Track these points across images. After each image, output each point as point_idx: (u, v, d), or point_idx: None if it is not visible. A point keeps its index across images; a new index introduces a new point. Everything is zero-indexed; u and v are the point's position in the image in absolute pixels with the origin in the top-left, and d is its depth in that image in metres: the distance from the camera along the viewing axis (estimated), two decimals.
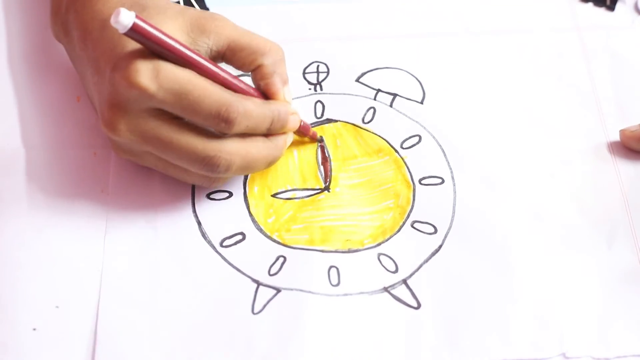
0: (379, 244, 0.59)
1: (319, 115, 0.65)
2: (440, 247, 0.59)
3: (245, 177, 0.62)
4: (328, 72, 0.67)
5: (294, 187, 0.62)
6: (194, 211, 0.60)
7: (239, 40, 0.57)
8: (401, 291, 0.57)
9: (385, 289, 0.57)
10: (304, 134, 0.62)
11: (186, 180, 0.59)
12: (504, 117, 0.65)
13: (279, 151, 0.59)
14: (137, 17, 0.52)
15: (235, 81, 0.56)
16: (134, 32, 0.52)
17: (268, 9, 0.70)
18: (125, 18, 0.52)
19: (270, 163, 0.59)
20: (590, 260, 0.59)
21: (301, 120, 0.61)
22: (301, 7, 0.71)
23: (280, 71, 0.59)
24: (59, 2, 0.62)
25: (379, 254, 0.59)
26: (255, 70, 0.58)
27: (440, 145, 0.64)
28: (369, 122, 0.65)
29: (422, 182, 0.62)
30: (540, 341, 0.55)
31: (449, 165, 0.63)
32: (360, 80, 0.67)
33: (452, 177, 0.62)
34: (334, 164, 0.63)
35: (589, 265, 0.59)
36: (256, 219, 0.60)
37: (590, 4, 0.72)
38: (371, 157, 0.64)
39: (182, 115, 0.55)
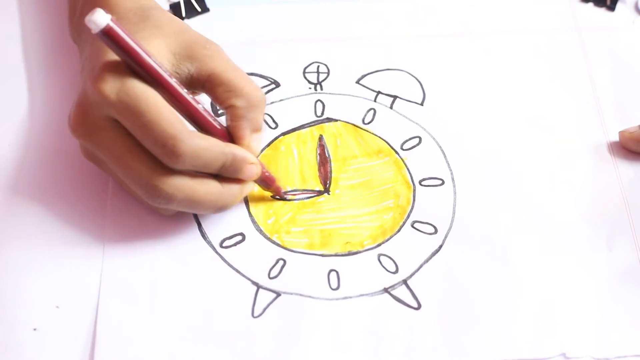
0: (379, 245, 0.59)
1: (319, 114, 0.65)
2: (440, 247, 0.59)
3: None
4: (328, 73, 0.67)
5: (294, 188, 0.62)
6: None
7: (221, 74, 0.56)
8: (401, 292, 0.57)
9: (386, 290, 0.57)
10: (267, 185, 0.60)
11: (138, 200, 0.58)
12: (504, 118, 0.65)
13: (231, 198, 0.57)
14: (112, 20, 0.51)
15: (202, 113, 0.55)
16: (106, 35, 0.51)
17: (268, 8, 0.70)
18: (99, 18, 0.50)
19: (219, 208, 0.57)
20: (590, 260, 0.59)
21: (264, 172, 0.58)
22: (301, 7, 0.71)
23: (252, 117, 0.56)
24: (74, 5, 0.63)
25: (379, 255, 0.59)
26: (228, 110, 0.56)
27: (440, 147, 0.64)
28: (369, 123, 0.65)
29: (422, 183, 0.62)
30: (540, 341, 0.56)
31: (449, 167, 0.63)
32: (361, 82, 0.67)
33: (452, 179, 0.62)
34: (334, 164, 0.63)
35: (589, 266, 0.59)
36: (256, 219, 0.60)
37: (591, 4, 0.72)
38: (371, 157, 0.64)
39: (134, 134, 0.53)
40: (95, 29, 0.51)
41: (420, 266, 0.58)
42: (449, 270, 0.58)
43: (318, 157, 0.63)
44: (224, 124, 0.57)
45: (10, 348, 0.54)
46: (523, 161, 0.63)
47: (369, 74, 0.67)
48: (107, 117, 0.53)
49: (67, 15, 0.65)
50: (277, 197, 0.61)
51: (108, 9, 0.57)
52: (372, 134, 0.64)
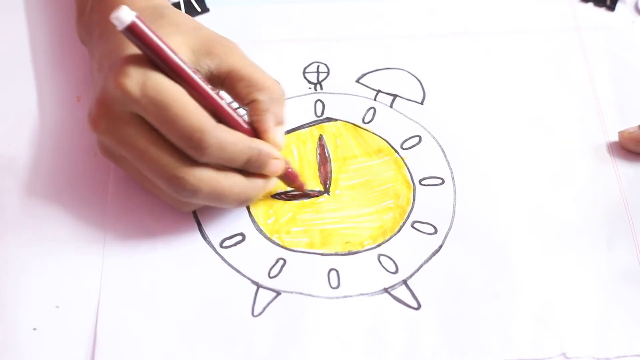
0: (379, 245, 0.59)
1: (319, 113, 0.65)
2: (440, 247, 0.59)
3: None
4: (328, 73, 0.67)
5: (294, 188, 0.62)
6: (194, 211, 0.60)
7: (241, 70, 0.56)
8: (401, 292, 0.57)
9: (386, 290, 0.57)
10: (290, 181, 0.60)
11: (159, 197, 0.58)
12: (504, 118, 0.65)
13: (255, 192, 0.57)
14: (137, 17, 0.51)
15: (227, 108, 0.55)
16: (131, 32, 0.52)
17: (268, 8, 0.70)
18: (124, 15, 0.51)
19: (243, 202, 0.57)
20: (590, 260, 0.59)
21: (287, 167, 0.59)
22: (301, 7, 0.71)
23: (275, 110, 0.57)
24: (84, 4, 0.63)
25: (379, 255, 0.59)
26: (250, 105, 0.57)
27: (440, 146, 0.64)
28: (369, 122, 0.65)
29: (422, 182, 0.62)
30: (540, 341, 0.55)
31: (449, 166, 0.63)
32: (361, 81, 0.67)
33: (452, 178, 0.62)
34: (334, 164, 0.63)
35: (588, 266, 0.59)
36: (256, 219, 0.60)
37: (591, 4, 0.72)
38: (371, 157, 0.64)
39: (159, 129, 0.53)
40: (120, 26, 0.51)
41: (420, 266, 0.58)
42: (449, 271, 0.58)
43: (318, 157, 0.63)
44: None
45: (10, 348, 0.54)
46: (523, 161, 0.63)
47: (368, 72, 0.67)
48: (130, 112, 0.53)
49: (74, 15, 0.64)
50: (300, 192, 0.61)
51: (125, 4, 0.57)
52: (372, 133, 0.64)
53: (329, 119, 0.65)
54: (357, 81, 0.67)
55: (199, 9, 0.70)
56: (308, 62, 0.68)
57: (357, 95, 0.66)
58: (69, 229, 0.59)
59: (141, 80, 0.52)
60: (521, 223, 0.60)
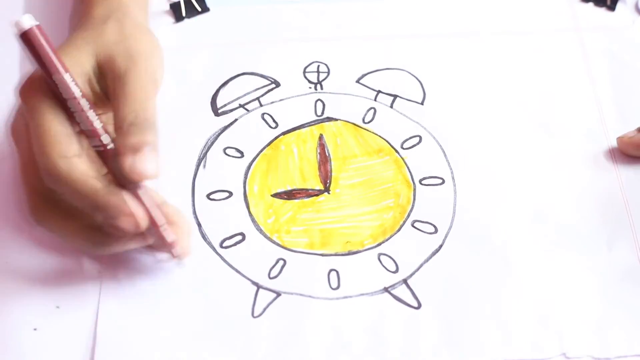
0: (379, 244, 0.59)
1: (319, 113, 0.65)
2: (440, 246, 0.59)
3: (245, 176, 0.62)
4: (328, 73, 0.67)
5: (294, 187, 0.62)
6: (194, 212, 0.60)
7: (119, 98, 0.53)
8: (402, 291, 0.57)
9: (386, 290, 0.57)
10: (161, 244, 0.55)
11: None
12: (504, 118, 0.65)
13: (108, 247, 0.54)
14: (37, 27, 0.51)
15: (89, 114, 0.52)
16: (24, 39, 0.51)
17: (268, 8, 0.70)
18: (24, 21, 0.51)
19: (94, 252, 0.55)
20: (591, 260, 0.59)
21: (161, 226, 0.53)
22: (301, 7, 0.71)
23: (129, 137, 0.52)
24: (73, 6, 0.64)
25: (379, 254, 0.59)
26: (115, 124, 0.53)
27: (440, 146, 0.64)
28: (369, 122, 0.65)
29: (423, 182, 0.62)
30: (540, 341, 0.55)
31: (450, 166, 0.63)
32: (361, 81, 0.67)
33: (453, 178, 0.62)
34: (334, 163, 0.63)
35: (589, 266, 0.59)
36: (256, 219, 0.60)
37: (591, 4, 0.72)
38: (371, 156, 0.64)
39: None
40: (15, 30, 0.51)
41: (421, 265, 0.58)
42: (449, 270, 0.58)
43: (318, 156, 0.63)
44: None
45: (10, 348, 0.54)
46: (523, 161, 0.63)
47: (369, 73, 0.67)
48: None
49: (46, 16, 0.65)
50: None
51: (82, 15, 0.59)
52: (373, 133, 0.64)
53: (329, 119, 0.65)
54: (358, 81, 0.67)
55: (199, 9, 0.70)
56: (308, 62, 0.68)
57: (357, 96, 0.66)
58: None
59: (29, 94, 0.52)
60: (521, 223, 0.60)
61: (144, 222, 0.51)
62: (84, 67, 0.54)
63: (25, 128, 0.53)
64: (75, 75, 0.52)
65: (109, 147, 0.52)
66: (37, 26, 0.51)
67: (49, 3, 0.70)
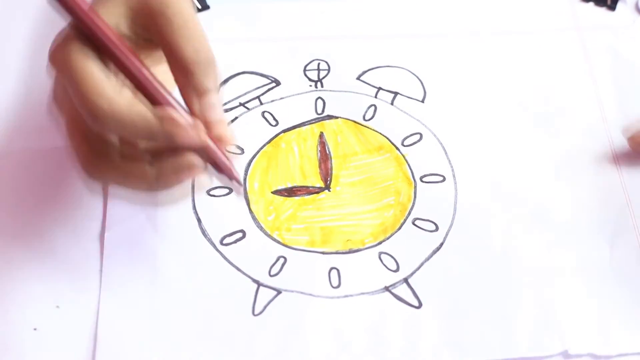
0: (379, 243, 0.59)
1: (319, 111, 0.65)
2: (441, 244, 0.59)
3: (246, 173, 0.62)
4: (329, 70, 0.67)
5: (294, 184, 0.62)
6: (194, 207, 0.60)
7: (169, 35, 0.51)
8: (402, 290, 0.57)
9: (387, 289, 0.57)
10: (222, 170, 0.52)
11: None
12: (505, 117, 0.65)
13: (166, 178, 0.51)
14: None
15: (148, 76, 0.50)
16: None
17: (269, 6, 0.70)
18: None
19: (151, 189, 0.52)
20: (592, 258, 0.59)
21: (222, 153, 0.51)
22: (302, 5, 0.71)
23: (197, 80, 0.51)
24: None
25: (380, 253, 0.59)
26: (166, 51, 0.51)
27: (441, 144, 0.64)
28: (370, 120, 0.65)
29: (423, 179, 0.62)
30: (541, 339, 0.55)
31: (450, 164, 0.63)
32: (361, 78, 0.67)
33: (454, 176, 0.62)
34: (335, 161, 0.63)
35: (590, 264, 0.59)
36: (256, 216, 0.60)
37: (591, 4, 0.72)
38: (372, 154, 0.63)
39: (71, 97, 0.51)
40: None
41: (421, 264, 0.58)
42: (450, 268, 0.58)
43: (319, 154, 0.63)
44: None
45: (10, 348, 0.54)
46: (524, 159, 0.63)
47: (369, 69, 0.67)
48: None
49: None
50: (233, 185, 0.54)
51: None
52: (373, 130, 0.64)
53: (329, 117, 0.65)
54: (358, 78, 0.67)
55: (199, 6, 0.70)
56: (309, 60, 0.68)
57: (357, 93, 0.66)
58: (68, 228, 0.59)
59: (62, 50, 0.50)
60: (522, 220, 0.60)
61: (203, 133, 0.50)
62: (115, 11, 0.52)
63: (64, 91, 0.52)
64: (107, 19, 0.51)
65: (150, 81, 0.51)
66: None
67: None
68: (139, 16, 0.51)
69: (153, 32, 0.51)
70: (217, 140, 0.51)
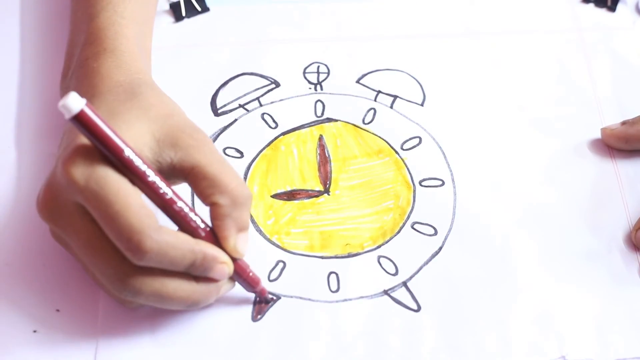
0: (379, 247, 0.59)
1: (319, 114, 0.65)
2: (440, 248, 0.59)
3: (245, 177, 0.62)
4: (328, 73, 0.67)
5: (294, 188, 0.62)
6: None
7: (205, 168, 0.52)
8: (401, 294, 0.57)
9: (385, 292, 0.57)
10: (249, 286, 0.55)
11: (103, 288, 0.55)
12: (505, 119, 0.65)
13: (204, 297, 0.53)
14: (87, 105, 0.48)
15: (183, 209, 0.51)
16: (79, 121, 0.48)
17: (269, 8, 0.70)
18: (73, 103, 0.47)
19: (191, 305, 0.53)
20: (590, 262, 0.59)
21: (247, 272, 0.54)
22: (302, 7, 0.70)
23: (237, 216, 0.52)
24: (68, 65, 0.60)
25: (379, 257, 0.59)
26: (211, 207, 0.52)
27: (440, 148, 0.64)
28: (369, 123, 0.65)
29: (423, 183, 0.62)
30: (540, 344, 0.55)
31: (449, 168, 0.63)
32: (361, 81, 0.67)
33: (453, 180, 0.62)
34: (334, 164, 0.63)
35: (588, 268, 0.59)
36: (256, 220, 0.60)
37: (591, 5, 0.72)
38: (371, 157, 0.63)
39: (100, 225, 0.50)
40: (67, 114, 0.47)
41: (420, 268, 0.58)
42: (449, 272, 0.58)
43: (318, 157, 0.63)
44: (208, 222, 0.53)
45: (10, 350, 0.54)
46: (523, 162, 0.63)
47: (369, 73, 0.67)
48: (75, 202, 0.50)
49: (68, 16, 0.64)
50: (261, 299, 0.57)
51: (97, 79, 0.55)
52: (372, 133, 0.64)
53: (329, 120, 0.65)
54: (358, 82, 0.67)
55: (199, 9, 0.70)
56: (308, 62, 0.68)
57: (357, 96, 0.66)
58: None
59: (87, 171, 0.49)
60: (521, 225, 0.60)
61: (231, 267, 0.53)
62: (139, 141, 0.51)
63: (75, 209, 0.50)
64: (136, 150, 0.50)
65: (184, 213, 0.52)
66: (87, 104, 0.48)
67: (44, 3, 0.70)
68: (167, 147, 0.52)
69: (185, 165, 0.52)
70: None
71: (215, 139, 0.63)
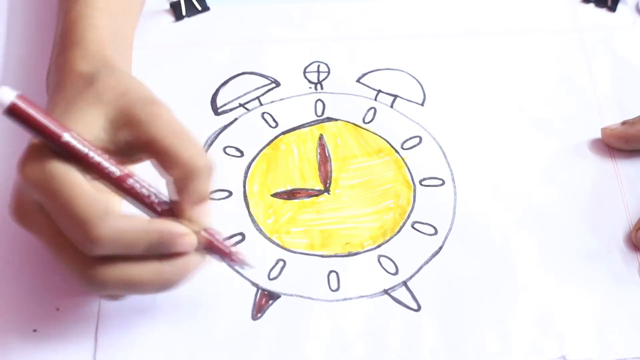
0: (379, 246, 0.59)
1: (319, 113, 0.65)
2: (440, 248, 0.59)
3: (245, 176, 0.62)
4: (329, 72, 0.67)
5: (294, 187, 0.62)
6: None
7: (159, 141, 0.50)
8: (401, 293, 0.57)
9: (386, 292, 0.57)
10: (222, 255, 0.53)
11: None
12: (505, 119, 0.65)
13: (175, 275, 0.51)
14: (19, 97, 0.47)
15: (130, 182, 0.50)
16: (13, 114, 0.47)
17: (269, 8, 0.70)
18: (3, 96, 0.46)
19: (163, 287, 0.51)
20: (590, 262, 0.59)
21: (210, 239, 0.52)
22: (302, 6, 0.70)
23: (193, 188, 0.50)
24: (51, 59, 0.59)
25: (379, 256, 0.59)
26: (169, 182, 0.51)
27: (440, 147, 0.64)
28: (369, 122, 0.65)
29: (423, 183, 0.62)
30: (540, 344, 0.55)
31: (450, 167, 0.63)
32: (361, 80, 0.67)
33: (453, 179, 0.62)
34: (334, 164, 0.63)
35: (588, 268, 0.59)
36: (256, 219, 0.60)
37: (592, 5, 0.72)
38: (371, 157, 0.63)
39: (54, 219, 0.49)
40: (0, 110, 0.47)
41: (420, 267, 0.58)
42: (449, 272, 0.58)
43: (318, 156, 0.63)
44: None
45: (10, 350, 0.54)
46: (523, 162, 0.63)
47: (369, 72, 0.67)
48: (35, 201, 0.50)
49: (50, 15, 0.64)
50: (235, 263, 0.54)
51: (63, 73, 0.55)
52: (373, 133, 0.64)
53: (329, 119, 0.65)
54: (358, 81, 0.67)
55: (199, 8, 0.70)
56: (309, 62, 0.68)
57: (357, 95, 0.66)
58: None
59: (37, 167, 0.48)
60: (521, 224, 0.60)
61: (193, 238, 0.51)
62: (93, 126, 0.51)
63: (36, 207, 0.50)
64: (85, 134, 0.50)
65: (136, 190, 0.50)
66: (19, 96, 0.47)
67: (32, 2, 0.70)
68: (121, 127, 0.51)
69: (140, 142, 0.50)
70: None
71: (215, 138, 0.63)
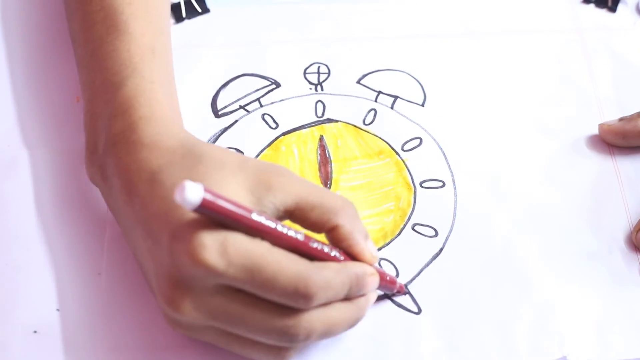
0: (379, 249, 0.59)
1: (319, 114, 0.65)
2: (441, 250, 0.59)
3: None
4: (329, 73, 0.67)
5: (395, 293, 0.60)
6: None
7: (308, 198, 0.51)
8: (402, 297, 0.57)
9: (386, 295, 0.57)
10: (389, 289, 0.56)
11: (250, 355, 0.52)
12: (505, 120, 0.65)
13: (361, 312, 0.52)
14: (205, 190, 0.45)
15: (314, 244, 0.50)
16: (204, 208, 0.45)
17: (269, 9, 0.70)
18: (192, 194, 0.44)
19: (352, 325, 0.52)
20: (591, 263, 0.59)
21: (387, 275, 0.55)
22: (301, 7, 0.70)
23: (358, 228, 0.52)
24: (95, 139, 0.56)
25: (380, 259, 0.59)
26: (331, 232, 0.51)
27: (441, 149, 0.64)
28: (370, 124, 0.65)
29: (423, 185, 0.62)
30: (541, 346, 0.56)
31: (450, 169, 0.63)
32: (361, 81, 0.67)
33: (453, 181, 0.62)
34: (335, 165, 0.63)
35: (589, 269, 0.59)
36: None
37: (592, 5, 0.72)
38: (372, 158, 0.63)
39: (255, 293, 0.48)
40: (190, 207, 0.45)
41: (421, 270, 0.58)
42: (450, 275, 0.58)
43: (319, 157, 0.63)
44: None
45: (10, 351, 0.55)
46: (524, 163, 0.63)
47: (369, 73, 0.67)
48: (215, 285, 0.48)
49: (63, 15, 0.64)
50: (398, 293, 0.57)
51: (146, 152, 0.53)
52: (373, 134, 0.64)
53: (329, 120, 0.65)
54: (358, 82, 0.67)
55: (199, 10, 0.70)
56: (309, 63, 0.68)
57: (357, 97, 0.66)
58: (69, 229, 0.59)
59: (221, 249, 0.47)
60: (522, 225, 0.60)
61: (377, 275, 0.53)
62: (240, 195, 0.50)
63: (218, 293, 0.49)
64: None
65: (321, 248, 0.51)
66: (205, 189, 0.45)
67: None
68: (263, 193, 0.51)
69: (288, 203, 0.51)
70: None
71: (215, 140, 0.64)
